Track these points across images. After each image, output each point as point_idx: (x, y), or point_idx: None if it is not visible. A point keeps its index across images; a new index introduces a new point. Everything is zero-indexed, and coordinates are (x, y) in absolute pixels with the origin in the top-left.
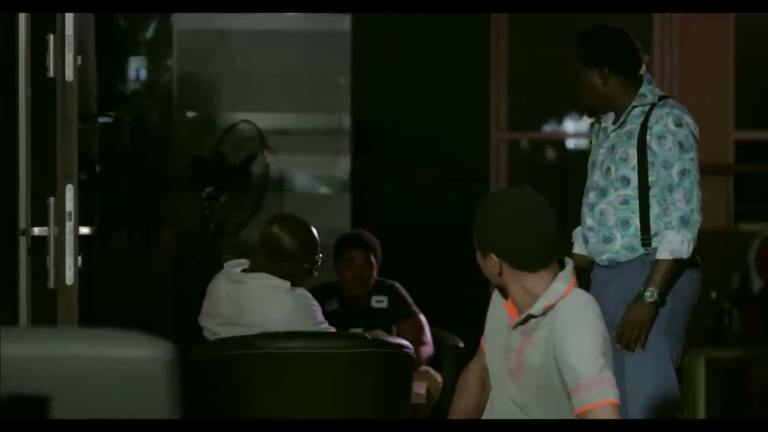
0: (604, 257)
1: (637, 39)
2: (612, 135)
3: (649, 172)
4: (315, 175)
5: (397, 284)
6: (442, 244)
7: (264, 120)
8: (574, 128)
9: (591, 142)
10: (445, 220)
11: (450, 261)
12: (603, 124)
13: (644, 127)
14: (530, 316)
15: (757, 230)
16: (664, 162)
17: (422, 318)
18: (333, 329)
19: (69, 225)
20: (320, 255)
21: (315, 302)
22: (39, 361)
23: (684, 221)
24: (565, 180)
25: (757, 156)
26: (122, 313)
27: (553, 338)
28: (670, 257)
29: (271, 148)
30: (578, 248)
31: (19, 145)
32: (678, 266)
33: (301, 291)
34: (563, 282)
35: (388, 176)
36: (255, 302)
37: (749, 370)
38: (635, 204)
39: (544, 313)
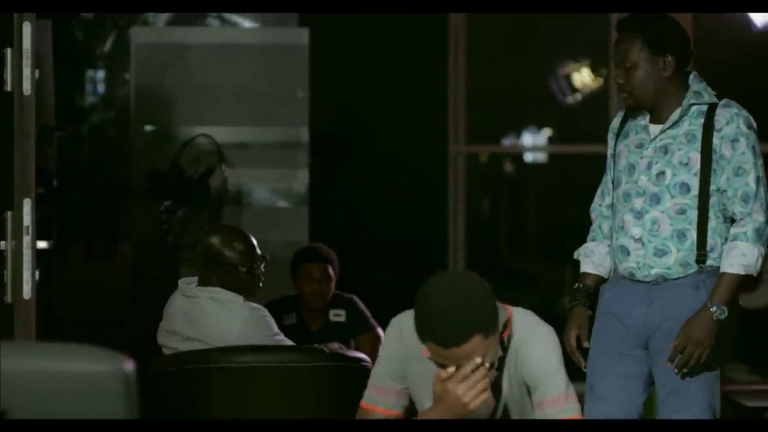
0: (653, 272)
1: (593, 52)
2: (661, 135)
3: (711, 179)
4: (273, 189)
5: (355, 297)
6: (400, 258)
7: (222, 133)
8: (532, 141)
9: (614, 142)
10: (403, 233)
11: (408, 274)
12: (641, 122)
13: (709, 129)
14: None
15: None
16: (737, 168)
17: (380, 332)
18: (290, 342)
19: (27, 239)
20: (262, 260)
21: (268, 314)
22: None
23: (759, 234)
24: (523, 193)
25: None
26: (80, 327)
27: (520, 364)
28: (743, 272)
29: (229, 162)
30: (590, 266)
31: None
32: (744, 282)
33: (255, 304)
34: (501, 309)
35: (346, 189)
36: (209, 317)
37: None
38: (693, 215)
39: (506, 346)
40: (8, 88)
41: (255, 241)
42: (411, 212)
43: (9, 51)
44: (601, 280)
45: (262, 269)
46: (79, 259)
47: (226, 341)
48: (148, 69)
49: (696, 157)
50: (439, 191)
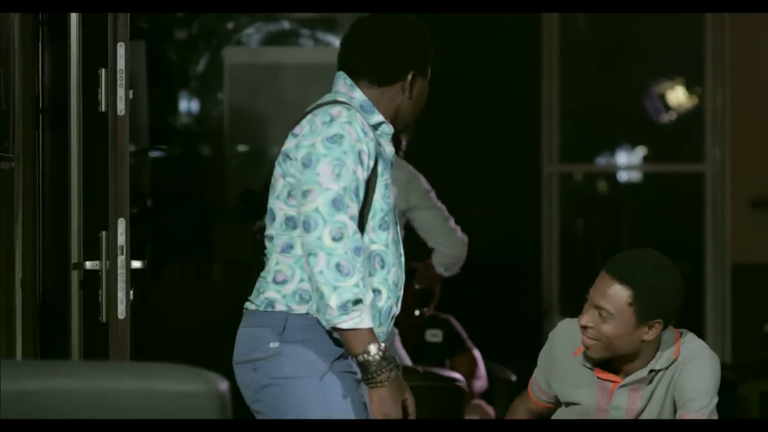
0: None
1: (688, 71)
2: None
3: None
4: None
5: (452, 318)
6: (493, 279)
7: None
8: (626, 160)
9: (376, 161)
10: (497, 253)
11: (502, 296)
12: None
13: None
14: (652, 372)
15: None
16: None
17: (476, 353)
18: None
19: (121, 259)
20: None
21: None
22: (91, 395)
23: None
24: (618, 213)
25: None
26: (174, 346)
27: (676, 381)
28: None
29: None
30: None
31: (71, 180)
32: None
33: None
34: (668, 330)
35: None
36: None
37: None
38: None
39: (668, 364)
40: (102, 108)
41: None
42: (504, 233)
43: (103, 72)
44: None
45: None
46: (173, 279)
47: None
48: (241, 89)
49: None
50: (533, 211)
